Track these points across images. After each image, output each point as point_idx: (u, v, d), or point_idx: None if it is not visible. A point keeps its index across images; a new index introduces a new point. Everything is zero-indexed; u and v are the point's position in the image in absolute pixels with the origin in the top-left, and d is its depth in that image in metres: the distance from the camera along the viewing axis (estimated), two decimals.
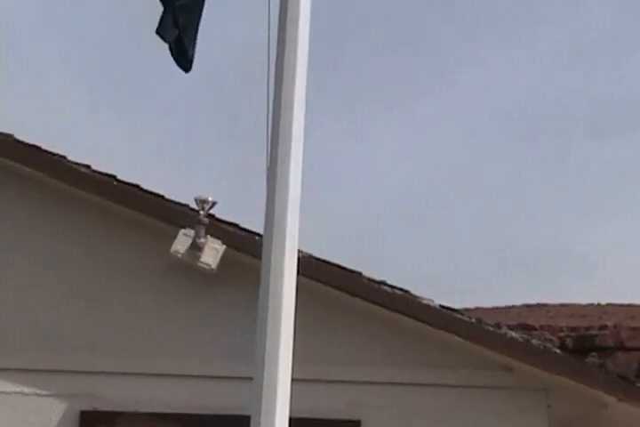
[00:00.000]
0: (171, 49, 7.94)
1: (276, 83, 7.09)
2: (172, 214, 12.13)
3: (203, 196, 11.81)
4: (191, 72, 8.13)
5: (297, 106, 6.99)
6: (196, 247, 11.66)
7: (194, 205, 11.84)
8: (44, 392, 12.12)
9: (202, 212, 11.72)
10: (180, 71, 8.07)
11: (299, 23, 7.24)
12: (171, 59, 8.02)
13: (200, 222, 11.69)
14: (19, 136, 12.63)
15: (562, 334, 25.50)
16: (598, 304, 28.01)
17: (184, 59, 7.94)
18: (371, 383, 12.07)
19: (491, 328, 12.33)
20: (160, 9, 8.13)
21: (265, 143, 7.07)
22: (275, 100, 7.05)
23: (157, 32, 7.85)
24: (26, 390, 12.11)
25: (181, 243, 11.69)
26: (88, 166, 12.44)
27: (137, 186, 12.31)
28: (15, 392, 12.10)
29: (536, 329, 23.27)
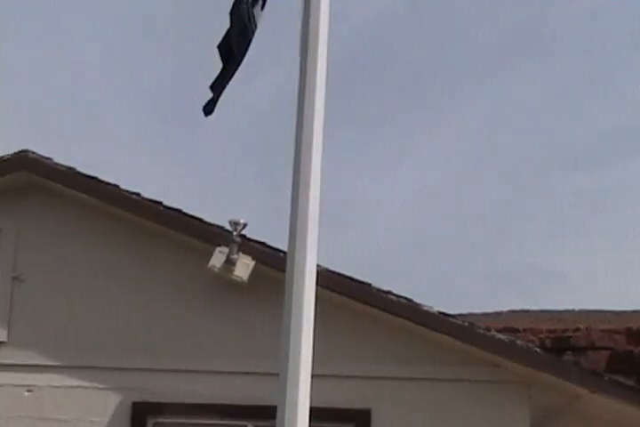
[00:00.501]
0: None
1: (297, 126, 7.03)
2: (209, 234, 12.06)
3: (236, 218, 11.81)
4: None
5: (315, 146, 6.93)
6: (229, 262, 11.64)
7: (228, 227, 11.81)
8: (102, 386, 12.09)
9: (235, 232, 11.74)
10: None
11: (316, 74, 7.17)
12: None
13: (233, 241, 11.68)
14: (80, 169, 12.58)
15: (542, 336, 25.48)
16: (573, 310, 27.91)
17: (210, 103, 7.82)
18: (379, 378, 12.03)
19: (481, 331, 12.30)
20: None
21: (290, 176, 7.03)
22: (296, 138, 6.99)
23: (212, 87, 7.76)
24: (86, 384, 12.09)
25: (217, 259, 11.68)
26: (138, 194, 12.40)
27: (179, 211, 12.29)
28: (78, 386, 12.06)
29: (520, 332, 23.16)
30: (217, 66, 7.85)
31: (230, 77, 7.79)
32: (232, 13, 7.85)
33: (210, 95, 7.75)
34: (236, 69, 7.81)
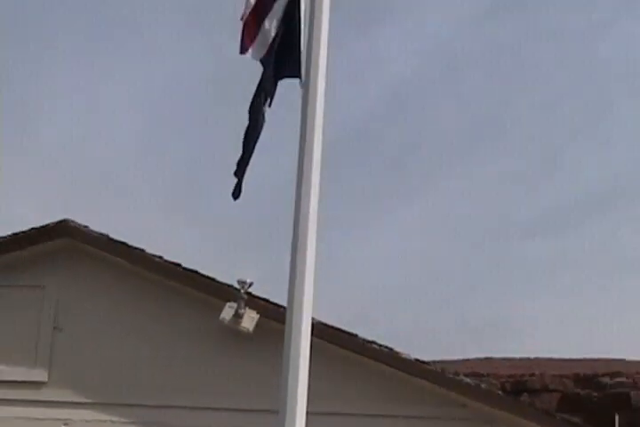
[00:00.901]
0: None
1: (295, 199, 7.20)
2: (221, 292, 12.15)
3: (243, 278, 11.91)
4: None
5: (311, 215, 7.12)
6: (237, 316, 11.73)
7: (237, 285, 11.89)
8: (127, 420, 12.15)
9: (242, 290, 11.80)
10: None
11: (313, 155, 7.35)
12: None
13: (241, 298, 11.76)
14: (112, 236, 12.74)
15: (502, 380, 25.45)
16: (528, 358, 27.85)
17: (236, 188, 7.91)
18: (365, 415, 12.02)
19: (451, 375, 12.37)
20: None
21: (289, 244, 7.19)
22: (295, 210, 7.17)
23: (236, 174, 7.87)
24: (114, 418, 12.12)
25: (227, 313, 11.76)
26: (161, 257, 12.51)
27: (196, 271, 12.37)
28: (107, 420, 12.10)
29: (484, 376, 23.08)
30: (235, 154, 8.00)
31: (247, 164, 7.92)
32: (250, 111, 8.01)
33: (233, 181, 7.87)
34: (250, 157, 7.95)
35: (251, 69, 7.88)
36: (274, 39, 7.90)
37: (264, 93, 7.92)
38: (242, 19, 7.88)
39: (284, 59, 7.97)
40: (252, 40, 7.88)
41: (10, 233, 12.60)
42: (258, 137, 7.90)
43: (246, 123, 7.97)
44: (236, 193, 7.82)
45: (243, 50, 7.84)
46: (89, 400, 12.28)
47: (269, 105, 7.96)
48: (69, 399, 12.26)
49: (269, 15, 7.92)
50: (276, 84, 8.00)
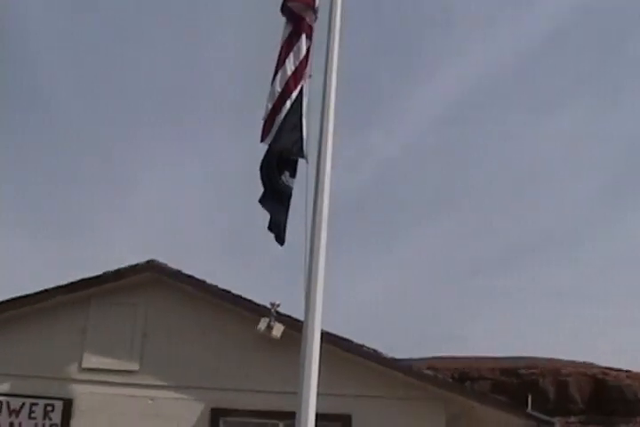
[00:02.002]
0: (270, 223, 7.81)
1: (310, 246, 7.16)
2: (258, 310, 12.10)
3: (273, 300, 11.95)
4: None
5: (322, 248, 7.08)
6: (269, 327, 11.71)
7: (269, 305, 11.91)
8: (193, 398, 12.12)
9: (273, 309, 11.82)
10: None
11: (323, 206, 7.28)
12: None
13: (272, 315, 11.76)
14: (183, 270, 12.73)
15: (452, 371, 25.45)
16: (471, 357, 27.72)
17: (278, 232, 7.77)
18: (358, 396, 12.02)
19: (416, 369, 12.38)
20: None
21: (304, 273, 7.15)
22: (310, 254, 7.12)
23: (269, 227, 7.75)
24: (185, 397, 12.13)
25: (262, 325, 11.76)
26: (216, 285, 12.54)
27: (240, 296, 12.36)
28: (180, 398, 12.10)
29: (439, 369, 22.99)
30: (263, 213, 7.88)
31: (286, 218, 7.76)
32: (263, 179, 7.86)
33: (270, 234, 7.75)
34: (282, 214, 7.79)
35: None
36: (279, 127, 7.82)
37: (277, 167, 7.78)
38: (263, 119, 7.85)
39: (288, 142, 7.86)
40: (268, 133, 7.83)
41: (114, 269, 12.56)
42: (285, 200, 7.76)
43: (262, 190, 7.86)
44: (280, 241, 7.73)
45: (262, 139, 7.80)
46: (167, 384, 12.18)
47: (292, 175, 7.84)
48: (153, 383, 12.17)
49: (279, 114, 7.86)
50: (292, 161, 7.86)
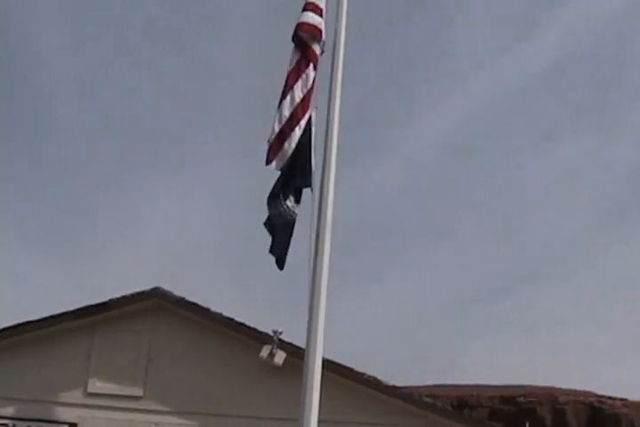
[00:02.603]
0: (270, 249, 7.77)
1: (312, 273, 7.16)
2: (260, 338, 12.08)
3: (275, 328, 11.92)
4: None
5: (324, 276, 7.06)
6: (271, 355, 11.69)
7: (271, 333, 11.88)
8: (195, 424, 12.04)
9: (275, 336, 11.80)
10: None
11: (325, 235, 7.28)
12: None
13: (274, 342, 11.73)
14: (187, 298, 12.69)
15: (451, 399, 25.29)
16: (469, 385, 27.58)
17: (278, 258, 7.74)
18: (355, 423, 11.88)
19: (416, 396, 12.30)
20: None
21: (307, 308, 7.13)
22: (311, 282, 7.11)
23: (270, 250, 7.72)
24: (188, 422, 12.08)
25: (264, 352, 11.75)
26: (220, 313, 12.56)
27: (244, 324, 12.35)
28: (182, 424, 12.05)
29: (438, 397, 22.87)
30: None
31: (288, 244, 7.72)
32: (269, 205, 7.85)
33: (271, 257, 7.74)
34: (284, 240, 7.74)
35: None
36: (290, 156, 7.82)
37: (282, 193, 7.76)
38: (268, 141, 7.84)
39: (297, 172, 7.86)
40: (275, 156, 7.81)
41: (119, 296, 12.59)
42: (288, 226, 7.72)
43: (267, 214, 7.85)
44: (281, 265, 7.70)
45: (268, 162, 7.78)
46: (171, 410, 12.16)
47: (297, 202, 7.81)
48: (157, 409, 12.16)
49: (288, 140, 7.86)
50: (298, 189, 7.86)
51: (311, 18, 8.23)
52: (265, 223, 7.85)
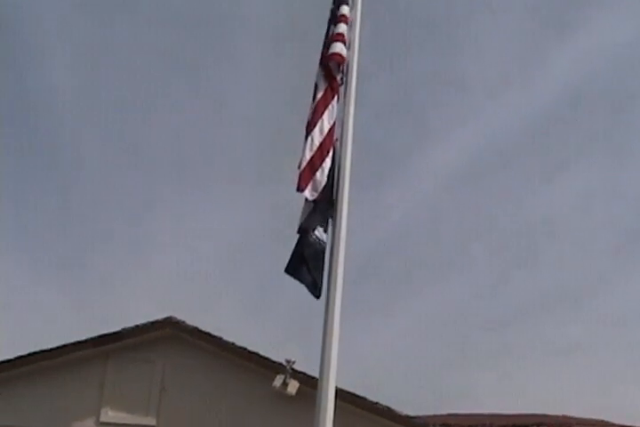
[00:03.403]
0: (301, 280, 7.59)
1: (327, 289, 7.11)
2: (274, 367, 12.04)
3: (288, 357, 11.85)
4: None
5: (337, 305, 7.02)
6: (284, 384, 11.62)
7: (284, 363, 11.84)
8: None
9: (288, 366, 11.75)
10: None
11: (339, 264, 7.23)
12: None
13: (287, 372, 11.68)
14: (200, 327, 12.69)
15: None
16: (482, 414, 27.23)
17: (314, 286, 7.59)
18: None
19: (430, 425, 12.24)
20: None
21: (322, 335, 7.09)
22: (325, 314, 7.07)
23: (287, 271, 7.58)
24: None
25: (277, 381, 11.67)
26: (233, 343, 12.54)
27: (257, 353, 12.33)
28: None
29: (452, 426, 22.65)
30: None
31: (322, 273, 7.59)
32: (301, 238, 7.73)
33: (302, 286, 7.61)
34: (323, 268, 7.60)
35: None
36: (323, 188, 7.74)
37: (314, 224, 7.65)
38: (299, 167, 7.76)
39: (328, 202, 7.78)
40: (307, 184, 7.71)
41: (133, 325, 12.59)
42: (319, 255, 7.58)
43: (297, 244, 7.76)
44: (318, 294, 7.51)
45: (299, 189, 7.65)
46: None
47: (325, 231, 7.69)
48: None
49: (320, 170, 7.79)
50: (326, 219, 7.76)
51: (339, 48, 8.32)
52: (293, 254, 7.72)
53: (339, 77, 8.26)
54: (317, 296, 7.41)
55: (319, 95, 8.13)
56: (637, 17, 28.01)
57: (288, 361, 11.78)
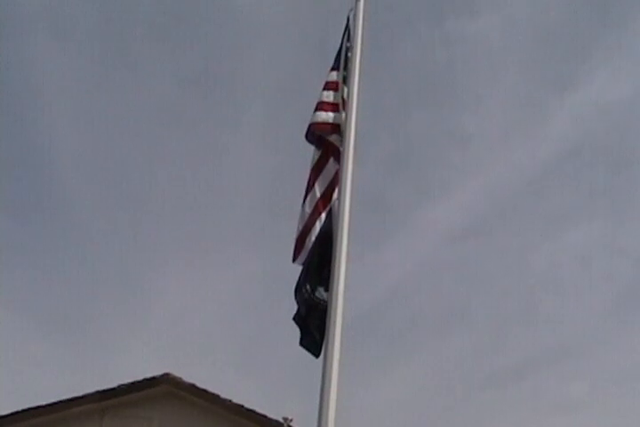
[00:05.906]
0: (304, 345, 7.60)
1: (326, 345, 7.08)
2: (271, 425, 11.97)
3: (286, 415, 11.78)
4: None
5: (335, 361, 6.98)
6: None
7: (281, 420, 11.78)
8: None
9: (285, 423, 11.69)
10: None
11: (337, 321, 7.22)
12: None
13: None
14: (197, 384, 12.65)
15: None
16: None
17: (314, 345, 7.56)
18: None
19: None
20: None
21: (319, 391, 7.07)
22: (323, 371, 7.04)
23: (302, 344, 7.60)
24: None
25: None
26: (230, 400, 12.46)
27: (254, 410, 12.25)
28: None
29: None
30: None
31: (323, 333, 7.56)
32: (295, 297, 7.77)
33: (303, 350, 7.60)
34: (324, 328, 7.58)
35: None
36: (311, 249, 7.80)
37: (308, 285, 7.68)
38: (295, 239, 7.87)
39: (324, 262, 7.80)
40: (300, 253, 7.82)
41: (130, 381, 12.54)
42: (317, 313, 7.57)
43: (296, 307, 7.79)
44: (317, 354, 7.48)
45: (294, 259, 7.78)
46: None
47: (326, 290, 7.70)
48: None
49: (309, 235, 7.86)
50: (325, 275, 7.78)
51: (320, 117, 8.38)
52: (294, 318, 7.75)
53: (336, 139, 8.33)
54: (317, 355, 7.39)
55: (312, 166, 8.26)
56: (635, 75, 28.39)
57: (285, 419, 11.72)
